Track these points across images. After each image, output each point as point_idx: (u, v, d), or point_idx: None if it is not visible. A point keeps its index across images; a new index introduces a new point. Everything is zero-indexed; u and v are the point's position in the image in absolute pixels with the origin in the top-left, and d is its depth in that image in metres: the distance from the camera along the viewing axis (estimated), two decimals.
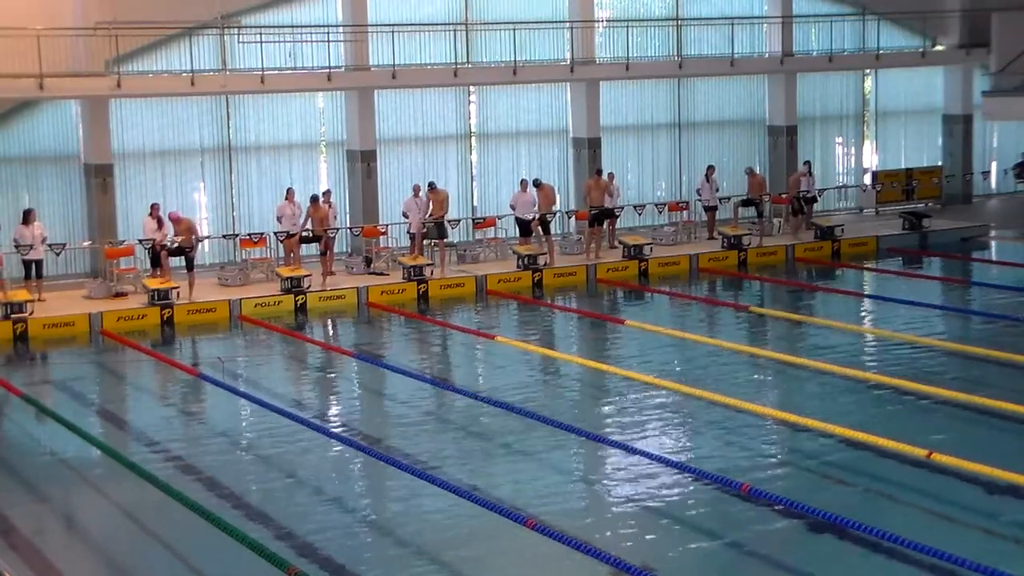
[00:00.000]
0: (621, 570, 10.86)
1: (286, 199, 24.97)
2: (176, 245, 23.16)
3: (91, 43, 23.92)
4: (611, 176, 27.45)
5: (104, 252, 23.92)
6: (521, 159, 29.10)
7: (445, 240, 25.33)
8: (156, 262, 23.31)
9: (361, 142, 26.98)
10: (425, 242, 25.40)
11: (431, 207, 25.25)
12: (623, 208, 27.78)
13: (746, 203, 28.27)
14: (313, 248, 25.28)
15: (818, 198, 29.38)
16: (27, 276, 22.77)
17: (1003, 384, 16.77)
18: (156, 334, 21.92)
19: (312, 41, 26.18)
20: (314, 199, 24.67)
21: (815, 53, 31.69)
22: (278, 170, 26.81)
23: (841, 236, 27.93)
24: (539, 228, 25.89)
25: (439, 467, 13.98)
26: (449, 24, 27.63)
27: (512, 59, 27.71)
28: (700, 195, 28.54)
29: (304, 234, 24.64)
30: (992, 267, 26.66)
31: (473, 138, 28.95)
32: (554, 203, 26.62)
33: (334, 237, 25.14)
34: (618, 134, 30.13)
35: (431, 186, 25.57)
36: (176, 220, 23.43)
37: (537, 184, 26.38)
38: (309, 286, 23.52)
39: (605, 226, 27.20)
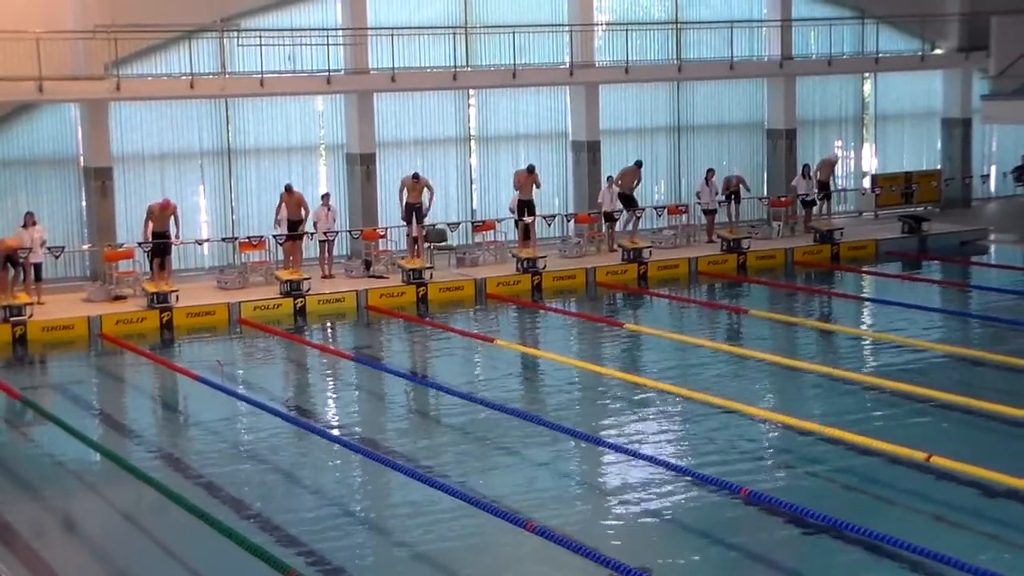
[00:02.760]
0: (620, 573, 10.85)
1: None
2: (157, 240, 23.19)
3: (90, 46, 23.91)
4: (610, 179, 27.60)
5: (103, 255, 23.92)
6: (520, 162, 29.05)
7: (423, 226, 25.38)
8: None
9: (360, 145, 26.97)
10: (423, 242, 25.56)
11: (406, 195, 25.38)
12: (622, 211, 27.83)
13: (729, 198, 28.40)
14: (312, 251, 25.42)
15: (817, 201, 29.40)
16: (26, 279, 22.75)
17: (1003, 387, 16.79)
18: (155, 337, 21.91)
19: (311, 44, 26.19)
20: (288, 188, 24.75)
21: (814, 56, 31.69)
22: (277, 173, 26.78)
23: (840, 239, 27.93)
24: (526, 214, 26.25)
25: (439, 470, 13.99)
26: (448, 27, 27.63)
27: (512, 62, 27.71)
28: (699, 198, 28.57)
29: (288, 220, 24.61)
30: (991, 270, 26.66)
31: (473, 141, 28.96)
32: (535, 185, 26.66)
33: (333, 240, 25.20)
34: (618, 137, 30.13)
35: (415, 176, 25.61)
36: (164, 207, 23.52)
37: (531, 170, 26.73)
38: (308, 289, 23.52)
39: (605, 229, 27.52)
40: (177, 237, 23.73)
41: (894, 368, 18.00)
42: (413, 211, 25.33)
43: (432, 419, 16.62)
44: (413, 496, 13.15)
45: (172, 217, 23.57)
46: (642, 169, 28.23)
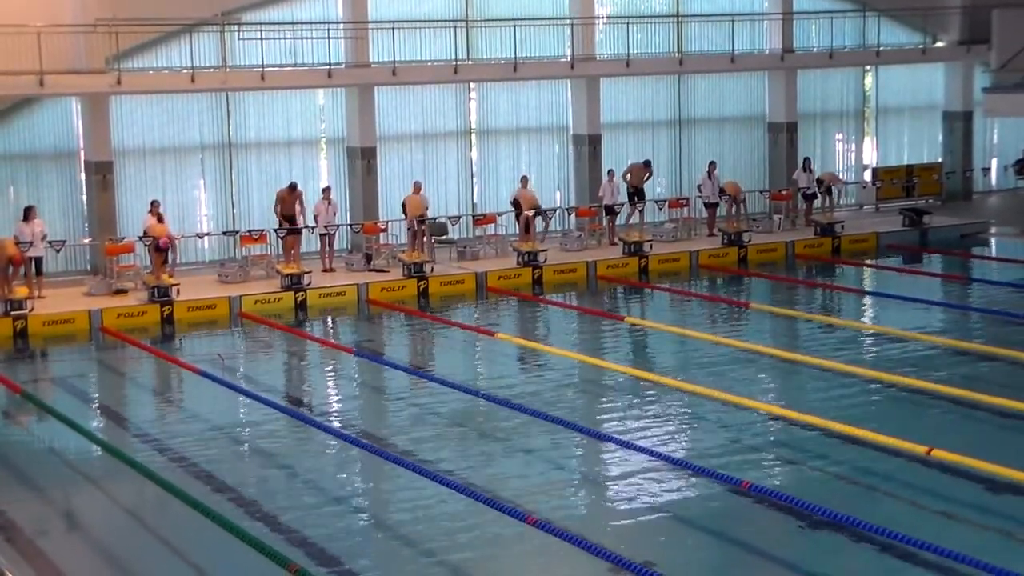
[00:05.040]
0: (622, 567, 10.86)
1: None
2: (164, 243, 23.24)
3: (91, 40, 23.90)
4: (611, 173, 27.63)
5: (104, 249, 23.92)
6: (521, 156, 29.10)
7: (424, 220, 25.44)
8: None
9: (361, 139, 26.97)
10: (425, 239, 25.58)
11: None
12: (623, 204, 27.86)
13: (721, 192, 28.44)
14: (313, 245, 25.45)
15: (818, 195, 29.40)
16: (27, 273, 22.76)
17: (1003, 380, 16.78)
18: (156, 331, 21.91)
19: (312, 38, 26.18)
20: (292, 186, 24.93)
21: (815, 49, 31.67)
22: (278, 167, 26.80)
23: (841, 233, 27.93)
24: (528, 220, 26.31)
25: (439, 464, 13.99)
26: (449, 20, 27.61)
27: (513, 56, 27.70)
28: (701, 191, 28.55)
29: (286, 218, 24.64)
30: (992, 263, 26.65)
31: (473, 135, 28.94)
32: (531, 201, 26.77)
33: (334, 234, 25.22)
34: (619, 131, 30.12)
35: (416, 186, 25.79)
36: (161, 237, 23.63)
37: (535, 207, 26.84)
38: (309, 283, 23.53)
39: (605, 223, 27.56)
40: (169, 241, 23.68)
41: (895, 361, 17.99)
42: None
43: (433, 413, 16.62)
44: (414, 490, 13.16)
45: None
46: (651, 165, 28.53)
